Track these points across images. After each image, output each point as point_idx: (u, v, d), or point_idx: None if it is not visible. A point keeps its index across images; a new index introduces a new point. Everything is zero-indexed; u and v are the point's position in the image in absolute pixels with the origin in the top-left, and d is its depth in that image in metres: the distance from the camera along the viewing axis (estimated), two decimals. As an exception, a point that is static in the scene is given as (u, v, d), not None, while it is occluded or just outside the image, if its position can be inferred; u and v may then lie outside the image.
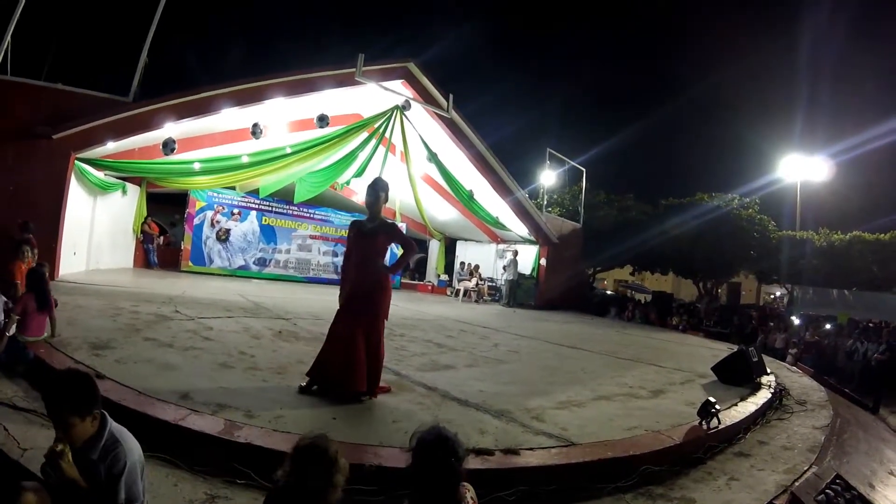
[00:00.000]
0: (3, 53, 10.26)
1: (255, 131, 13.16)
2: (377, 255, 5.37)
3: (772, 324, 19.71)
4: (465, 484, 2.38)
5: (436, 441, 2.29)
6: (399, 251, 6.04)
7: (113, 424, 2.53)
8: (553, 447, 4.25)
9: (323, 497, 2.17)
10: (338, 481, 2.20)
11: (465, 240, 22.69)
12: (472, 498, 2.35)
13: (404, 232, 21.75)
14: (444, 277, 22.74)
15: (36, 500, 2.33)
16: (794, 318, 20.46)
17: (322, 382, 5.02)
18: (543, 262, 19.66)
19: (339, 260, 19.68)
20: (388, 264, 5.74)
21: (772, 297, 37.29)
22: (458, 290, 19.76)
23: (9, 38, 10.35)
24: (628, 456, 4.22)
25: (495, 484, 3.53)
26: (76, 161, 11.11)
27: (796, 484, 4.16)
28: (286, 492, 2.21)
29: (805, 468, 4.68)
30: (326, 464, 2.19)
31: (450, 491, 2.27)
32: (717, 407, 5.19)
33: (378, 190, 5.34)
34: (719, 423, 5.20)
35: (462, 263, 21.61)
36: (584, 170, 22.82)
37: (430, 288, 22.45)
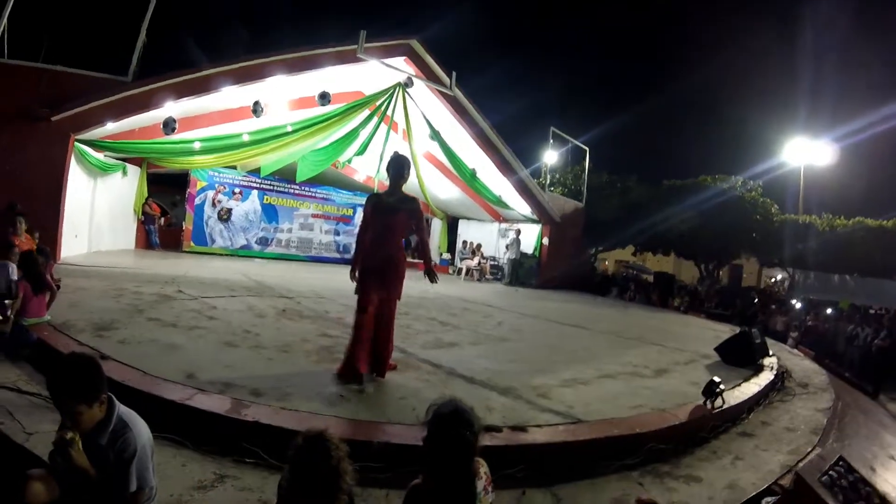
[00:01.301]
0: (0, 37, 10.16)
1: (256, 110, 13.05)
2: (396, 231, 5.17)
3: (773, 307, 19.69)
4: (479, 459, 2.36)
5: (452, 414, 2.26)
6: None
7: (121, 408, 2.48)
8: (560, 424, 4.27)
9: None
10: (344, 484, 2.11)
11: (468, 218, 22.64)
12: (485, 473, 2.34)
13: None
14: (447, 256, 22.74)
15: (43, 487, 2.30)
16: (794, 301, 20.44)
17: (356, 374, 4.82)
18: (546, 241, 19.60)
19: (341, 238, 19.82)
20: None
21: (773, 280, 37.27)
22: (460, 269, 19.75)
23: (5, 20, 10.25)
24: (634, 434, 4.24)
25: (503, 461, 3.51)
26: (76, 142, 11.00)
27: (800, 465, 4.20)
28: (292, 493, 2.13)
29: (808, 450, 4.73)
30: (330, 469, 2.07)
31: (465, 465, 2.24)
32: (722, 387, 5.20)
33: (402, 166, 5.16)
34: (724, 403, 5.21)
35: (464, 242, 21.60)
36: (587, 149, 22.69)
37: (433, 266, 22.40)
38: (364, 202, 5.31)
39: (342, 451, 2.10)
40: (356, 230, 18.95)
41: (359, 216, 20.26)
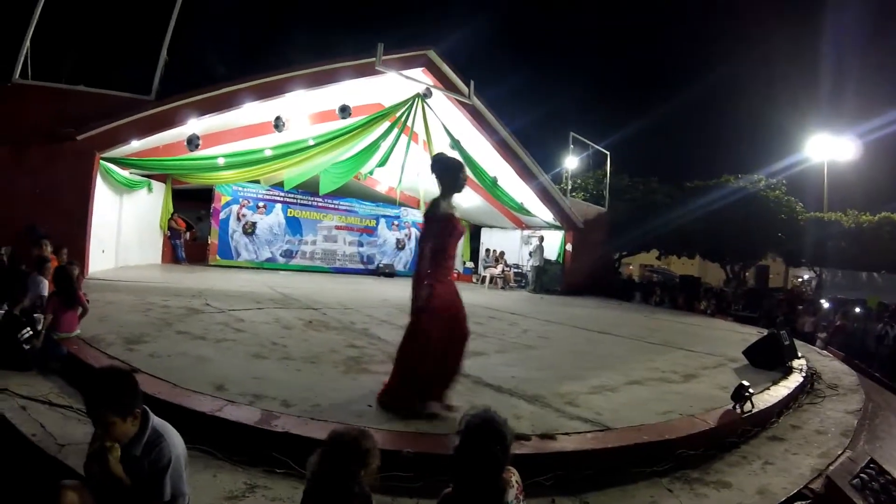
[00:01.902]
0: (23, 58, 10.38)
1: (278, 124, 13.20)
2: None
3: (800, 307, 19.39)
4: (510, 468, 2.35)
5: (483, 425, 2.26)
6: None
7: (155, 419, 2.50)
8: (588, 432, 4.24)
9: (351, 486, 2.14)
10: (369, 471, 2.19)
11: (490, 226, 22.63)
12: (517, 482, 2.33)
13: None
14: (470, 265, 22.77)
15: (77, 498, 2.32)
16: (822, 301, 20.12)
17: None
18: (569, 247, 19.53)
19: (365, 249, 20.00)
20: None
21: (800, 280, 36.74)
22: (483, 278, 19.70)
23: (28, 43, 10.46)
24: (663, 440, 4.21)
25: (532, 469, 3.47)
26: (101, 160, 11.23)
27: (831, 468, 4.16)
28: (319, 481, 2.18)
29: (839, 452, 4.64)
30: (359, 455, 2.17)
31: (493, 475, 2.24)
32: (751, 391, 5.14)
33: (441, 168, 4.68)
34: (753, 406, 5.14)
35: (487, 250, 21.54)
36: (608, 153, 22.63)
37: (455, 276, 22.42)
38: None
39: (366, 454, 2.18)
40: (379, 241, 18.93)
41: (381, 227, 20.38)
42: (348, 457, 2.16)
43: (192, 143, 12.46)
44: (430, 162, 4.73)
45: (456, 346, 4.44)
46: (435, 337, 4.26)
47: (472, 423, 2.28)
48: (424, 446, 3.56)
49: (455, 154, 14.26)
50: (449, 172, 4.58)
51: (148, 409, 2.50)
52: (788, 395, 6.19)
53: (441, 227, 4.49)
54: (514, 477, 2.33)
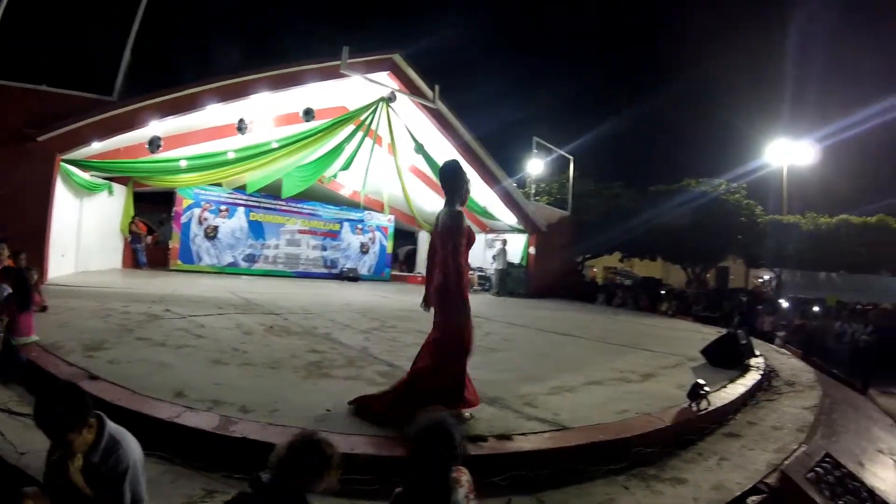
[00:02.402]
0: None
1: (241, 127, 13.13)
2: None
3: (760, 307, 19.84)
4: (461, 468, 2.41)
5: (433, 427, 2.33)
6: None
7: (111, 425, 2.53)
8: (546, 432, 4.29)
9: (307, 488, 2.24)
10: (329, 475, 2.28)
11: (455, 231, 22.56)
12: (468, 481, 2.38)
13: (392, 224, 21.77)
14: (435, 269, 22.68)
15: None
16: (782, 301, 20.62)
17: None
18: (532, 250, 19.74)
19: (328, 253, 19.91)
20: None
21: (760, 280, 37.51)
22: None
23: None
24: (620, 438, 4.26)
25: (489, 469, 3.56)
26: (62, 163, 11.04)
27: (786, 462, 4.24)
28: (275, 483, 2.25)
29: (795, 447, 4.72)
30: (321, 458, 2.26)
31: (439, 474, 2.29)
32: (707, 389, 5.23)
33: (446, 174, 4.67)
34: (709, 404, 5.23)
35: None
36: (571, 158, 22.91)
37: (420, 279, 22.51)
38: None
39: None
40: (343, 245, 18.81)
41: (345, 230, 20.31)
42: (308, 463, 2.24)
43: (154, 144, 12.33)
44: (442, 170, 4.65)
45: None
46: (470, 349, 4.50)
47: (422, 425, 2.35)
48: (382, 449, 3.60)
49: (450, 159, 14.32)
50: (462, 179, 4.57)
51: (103, 415, 2.53)
52: (745, 392, 6.31)
53: (468, 238, 4.52)
54: (464, 476, 2.38)
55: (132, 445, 2.54)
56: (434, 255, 4.61)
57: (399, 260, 26.49)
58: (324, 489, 2.30)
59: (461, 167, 4.67)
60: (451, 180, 4.54)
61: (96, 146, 11.38)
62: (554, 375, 6.39)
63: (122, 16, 11.88)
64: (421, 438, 2.31)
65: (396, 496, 2.37)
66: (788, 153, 28.04)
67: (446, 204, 4.54)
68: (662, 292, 22.05)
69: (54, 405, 2.39)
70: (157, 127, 11.95)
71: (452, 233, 4.43)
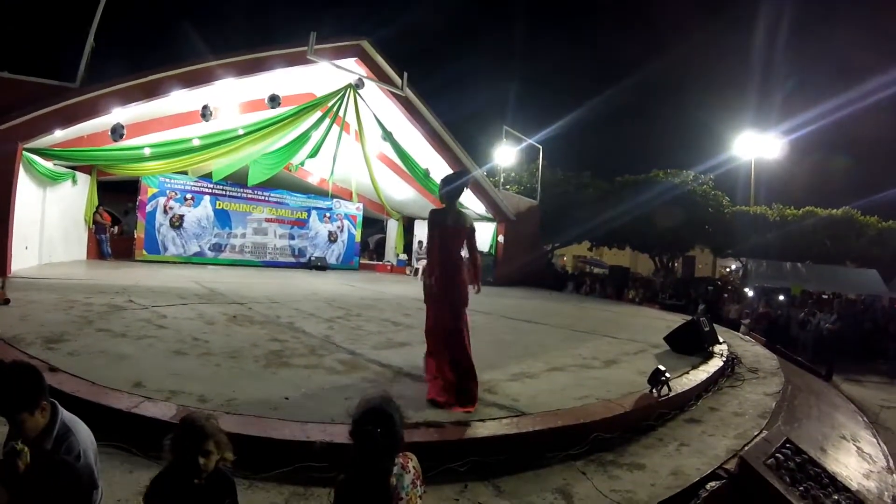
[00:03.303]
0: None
1: (205, 113, 12.98)
2: (460, 250, 5.28)
3: (726, 295, 20.23)
4: (407, 453, 2.43)
5: (370, 411, 2.33)
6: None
7: (64, 414, 2.54)
8: (503, 418, 4.34)
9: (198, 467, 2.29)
10: (212, 452, 2.31)
11: (423, 218, 22.42)
12: (414, 467, 2.39)
13: (360, 213, 21.75)
14: (403, 257, 22.85)
15: None
16: (747, 289, 21.02)
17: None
18: (501, 238, 19.83)
19: (296, 242, 19.68)
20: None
21: (727, 270, 38.11)
22: (416, 269, 19.75)
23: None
24: (579, 424, 4.31)
25: (446, 455, 3.62)
26: (24, 151, 10.81)
27: (746, 448, 4.32)
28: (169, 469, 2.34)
29: (755, 433, 4.80)
30: (199, 438, 2.30)
31: (377, 458, 2.29)
32: (667, 375, 5.30)
33: (463, 185, 5.33)
34: (670, 390, 5.31)
35: (420, 242, 21.57)
36: (540, 147, 23.05)
37: (389, 268, 22.59)
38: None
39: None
40: (310, 233, 18.70)
41: (313, 219, 20.18)
42: (190, 440, 2.30)
43: (117, 132, 12.16)
44: (442, 185, 5.31)
45: None
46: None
47: (361, 408, 2.35)
48: (337, 436, 3.61)
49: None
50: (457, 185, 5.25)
51: (57, 403, 2.54)
52: (707, 378, 6.40)
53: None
54: (411, 462, 2.39)
55: (83, 434, 2.55)
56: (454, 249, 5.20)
57: (369, 248, 26.45)
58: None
59: (453, 177, 5.35)
60: (453, 189, 5.25)
61: (59, 134, 11.17)
62: (515, 362, 6.48)
63: (85, 1, 11.65)
64: (360, 423, 2.30)
65: (339, 483, 2.38)
66: (756, 145, 28.61)
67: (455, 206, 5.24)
68: (630, 280, 22.40)
69: (9, 381, 2.41)
70: (121, 114, 11.78)
71: (472, 230, 5.31)
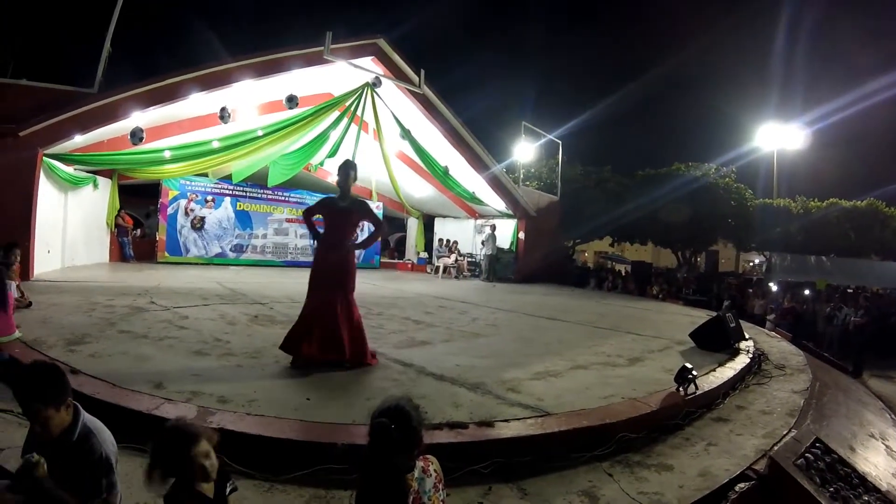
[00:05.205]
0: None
1: (224, 115, 12.97)
2: (350, 232, 5.68)
3: (750, 290, 19.92)
4: (428, 457, 2.36)
5: (385, 412, 2.25)
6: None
7: (86, 416, 2.52)
8: (528, 418, 4.25)
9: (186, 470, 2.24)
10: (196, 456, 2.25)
11: (443, 216, 22.64)
12: (435, 471, 2.32)
13: (380, 211, 21.73)
14: (424, 255, 22.82)
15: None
16: (771, 284, 20.72)
17: (298, 356, 5.40)
18: (522, 235, 19.70)
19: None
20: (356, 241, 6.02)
21: (750, 264, 37.65)
22: (437, 267, 19.75)
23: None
24: (604, 424, 4.22)
25: (470, 457, 3.55)
26: (44, 157, 10.89)
27: (775, 448, 4.19)
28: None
29: (784, 432, 4.67)
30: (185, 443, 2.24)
31: (392, 453, 2.21)
32: (694, 373, 5.19)
33: (349, 169, 5.62)
34: (696, 388, 5.21)
35: (440, 240, 21.58)
36: (559, 142, 22.86)
37: (409, 266, 22.54)
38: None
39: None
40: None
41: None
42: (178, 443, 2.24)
43: (136, 136, 12.19)
44: (349, 165, 5.73)
45: None
46: None
47: (379, 409, 2.29)
48: (358, 437, 3.56)
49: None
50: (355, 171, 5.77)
51: (78, 405, 2.52)
52: (734, 376, 6.28)
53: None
54: (432, 466, 2.33)
55: (105, 435, 2.54)
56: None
57: (389, 247, 26.44)
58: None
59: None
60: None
61: (79, 139, 11.22)
62: (538, 360, 6.39)
63: (102, 7, 11.72)
64: (375, 416, 2.25)
65: (357, 482, 2.35)
66: (778, 137, 28.15)
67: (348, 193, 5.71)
68: (652, 276, 22.18)
69: (36, 377, 2.41)
70: (140, 118, 11.81)
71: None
